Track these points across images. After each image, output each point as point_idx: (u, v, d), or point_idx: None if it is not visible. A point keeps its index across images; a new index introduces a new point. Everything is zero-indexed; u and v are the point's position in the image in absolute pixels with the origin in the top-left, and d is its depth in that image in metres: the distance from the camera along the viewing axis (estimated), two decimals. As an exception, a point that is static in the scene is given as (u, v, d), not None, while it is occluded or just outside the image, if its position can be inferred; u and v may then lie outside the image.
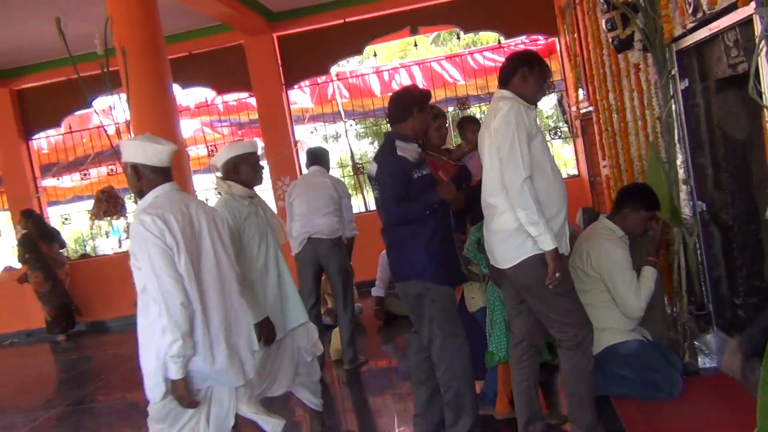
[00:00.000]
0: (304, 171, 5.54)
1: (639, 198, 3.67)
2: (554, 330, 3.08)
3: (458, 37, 10.47)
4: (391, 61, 13.29)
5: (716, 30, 3.18)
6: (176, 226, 2.61)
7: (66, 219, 9.51)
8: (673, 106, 3.84)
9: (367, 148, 15.99)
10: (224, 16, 6.96)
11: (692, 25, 3.39)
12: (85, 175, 9.55)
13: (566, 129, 8.71)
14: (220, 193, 3.69)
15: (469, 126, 4.91)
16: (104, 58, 4.64)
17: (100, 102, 8.81)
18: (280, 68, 8.23)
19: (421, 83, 8.64)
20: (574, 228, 4.71)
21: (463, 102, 8.61)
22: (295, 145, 8.45)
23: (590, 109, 6.32)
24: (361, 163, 9.41)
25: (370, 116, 9.78)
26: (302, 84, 8.89)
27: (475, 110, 9.01)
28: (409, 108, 3.33)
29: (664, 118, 3.88)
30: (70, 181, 9.86)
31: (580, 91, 6.89)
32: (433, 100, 4.12)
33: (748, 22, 2.85)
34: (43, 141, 9.50)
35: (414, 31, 8.25)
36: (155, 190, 2.71)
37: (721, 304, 3.86)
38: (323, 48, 8.16)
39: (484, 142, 3.08)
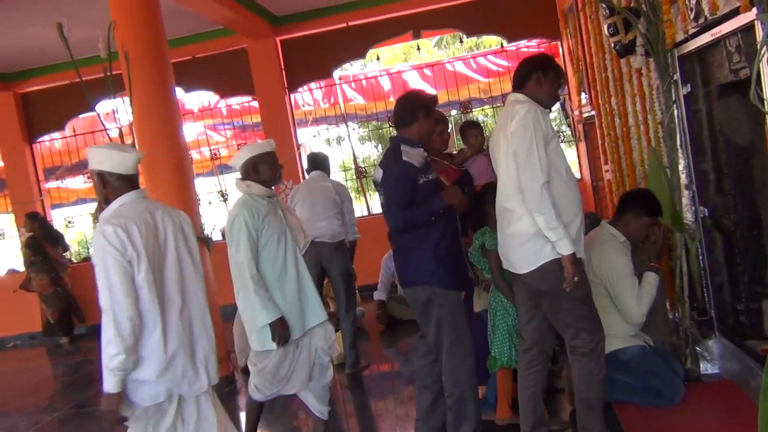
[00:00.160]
0: (306, 176, 5.55)
1: (641, 204, 3.66)
2: (568, 336, 3.06)
3: (461, 41, 10.47)
4: (394, 65, 13.32)
5: (718, 35, 3.17)
6: (138, 235, 2.64)
7: (69, 222, 9.53)
8: (675, 111, 3.84)
9: (371, 152, 16.01)
10: (227, 19, 6.98)
11: (694, 30, 3.39)
12: (88, 177, 9.56)
13: (569, 133, 8.70)
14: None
15: (471, 130, 4.92)
16: (107, 62, 4.67)
17: (104, 105, 8.84)
18: (283, 72, 8.25)
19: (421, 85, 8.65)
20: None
21: (465, 105, 8.61)
22: (298, 149, 8.46)
23: (592, 113, 6.31)
24: (364, 167, 9.42)
25: (374, 119, 9.78)
26: (311, 86, 8.89)
27: (477, 113, 9.00)
28: (416, 112, 3.31)
29: (666, 123, 3.88)
30: (74, 183, 9.88)
31: (583, 96, 6.89)
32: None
33: (749, 28, 2.85)
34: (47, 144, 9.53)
35: (417, 35, 8.26)
36: (120, 199, 2.74)
37: (723, 310, 3.85)
38: (326, 52, 8.17)
39: (500, 145, 3.03)
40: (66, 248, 8.85)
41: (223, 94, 8.66)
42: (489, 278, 3.68)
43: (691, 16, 3.34)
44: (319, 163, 5.36)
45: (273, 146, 3.70)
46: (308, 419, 4.24)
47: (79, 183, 9.90)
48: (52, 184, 9.56)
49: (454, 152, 5.18)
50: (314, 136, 9.66)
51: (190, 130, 9.41)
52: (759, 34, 2.66)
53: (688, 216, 3.92)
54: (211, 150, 9.27)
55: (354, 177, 9.38)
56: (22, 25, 6.56)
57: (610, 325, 3.57)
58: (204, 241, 5.17)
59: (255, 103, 8.74)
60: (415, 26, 8.06)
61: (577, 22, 6.38)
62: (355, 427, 4.47)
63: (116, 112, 7.91)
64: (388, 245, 6.45)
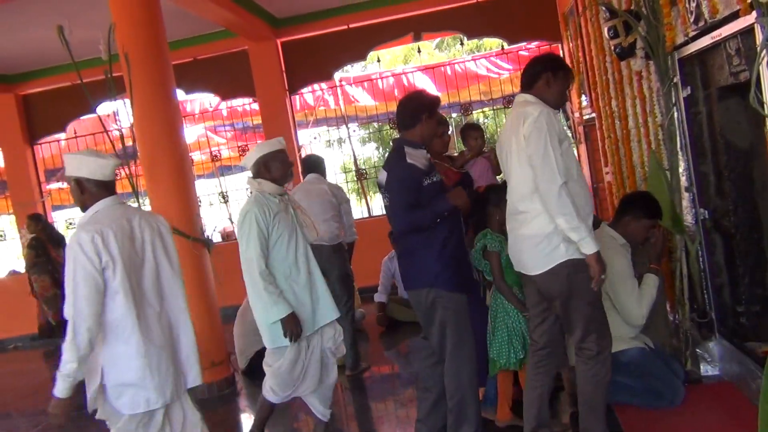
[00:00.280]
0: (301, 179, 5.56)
1: (641, 206, 3.66)
2: (577, 338, 3.04)
3: (462, 43, 10.48)
4: (395, 67, 13.34)
5: (718, 38, 3.18)
6: (114, 241, 2.69)
7: (71, 223, 9.54)
8: (675, 114, 3.84)
9: (371, 153, 16.03)
10: (228, 22, 6.99)
11: (694, 33, 3.40)
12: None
13: (569, 135, 8.71)
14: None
15: (472, 133, 4.93)
16: (108, 64, 4.68)
17: (105, 107, 8.85)
18: (284, 74, 8.26)
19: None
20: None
21: (466, 108, 8.62)
22: (299, 151, 8.47)
23: (593, 115, 6.32)
24: (365, 169, 9.43)
25: (374, 121, 9.80)
26: (314, 88, 8.92)
27: (478, 116, 9.01)
28: (418, 114, 3.30)
29: (667, 125, 3.89)
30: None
31: (583, 98, 6.90)
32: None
33: (749, 31, 2.86)
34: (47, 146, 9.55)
35: (417, 38, 8.28)
36: (96, 205, 2.78)
37: (723, 312, 3.85)
38: (327, 54, 8.19)
39: (511, 147, 2.99)
40: (67, 250, 8.84)
41: (224, 95, 8.67)
42: (490, 280, 3.69)
43: (691, 19, 3.34)
44: (314, 165, 5.37)
45: (283, 144, 3.73)
46: (308, 420, 4.24)
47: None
48: (53, 186, 9.57)
49: (455, 154, 5.19)
50: (314, 138, 9.64)
51: (191, 132, 9.43)
52: (759, 37, 2.66)
53: (688, 218, 3.93)
54: (211, 151, 9.28)
55: (355, 179, 9.39)
56: (23, 26, 6.58)
57: (610, 327, 3.58)
58: (204, 243, 5.18)
59: (256, 105, 8.76)
60: (416, 28, 8.08)
61: (577, 24, 6.39)
62: (355, 430, 4.47)
63: (117, 113, 7.92)
64: (389, 247, 6.54)
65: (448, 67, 9.25)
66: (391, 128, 9.06)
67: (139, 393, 2.74)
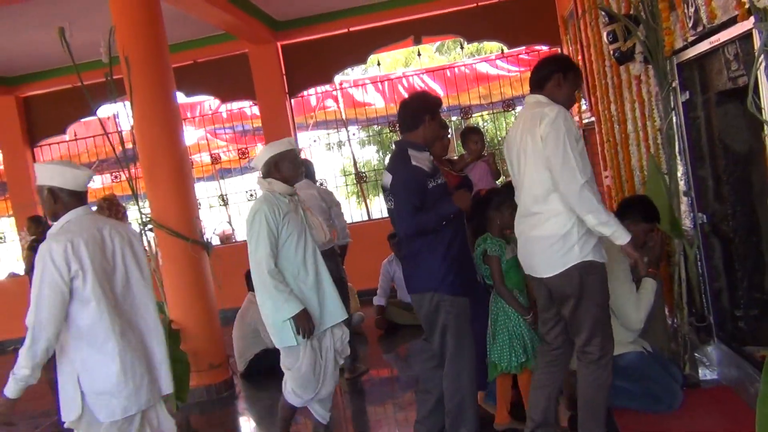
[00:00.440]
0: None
1: (639, 209, 3.67)
2: (581, 341, 3.02)
3: (461, 47, 10.50)
4: (395, 70, 13.35)
5: (716, 43, 3.19)
6: (85, 250, 2.73)
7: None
8: (674, 118, 3.85)
9: (371, 156, 16.04)
10: (229, 25, 7.00)
11: (693, 38, 3.41)
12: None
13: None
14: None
15: (472, 136, 4.94)
16: (109, 66, 4.69)
17: (105, 109, 8.86)
18: (284, 77, 8.27)
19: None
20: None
21: (466, 111, 8.63)
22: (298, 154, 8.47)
23: (592, 119, 6.33)
24: (364, 172, 9.43)
25: (374, 124, 9.82)
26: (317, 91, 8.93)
27: (477, 119, 9.02)
28: (421, 115, 3.29)
29: (665, 129, 3.90)
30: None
31: (582, 102, 6.91)
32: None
33: (747, 36, 2.87)
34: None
35: (417, 41, 8.29)
36: (68, 214, 2.82)
37: (721, 316, 3.85)
38: (327, 57, 8.20)
39: (526, 147, 2.96)
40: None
41: (224, 98, 8.68)
42: (490, 284, 3.68)
43: (690, 24, 3.35)
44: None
45: (293, 144, 3.74)
46: (307, 423, 4.24)
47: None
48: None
49: (455, 158, 5.20)
50: (314, 141, 9.65)
51: (191, 135, 9.44)
52: (757, 42, 2.67)
53: (686, 222, 3.93)
54: (211, 154, 9.29)
55: (354, 182, 9.39)
56: (23, 29, 6.59)
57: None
58: (204, 246, 5.18)
59: (256, 108, 8.77)
60: (416, 32, 8.09)
61: (577, 28, 6.40)
62: (354, 432, 4.47)
63: (117, 116, 7.92)
64: (388, 250, 6.55)
65: (447, 70, 9.27)
66: (390, 131, 9.07)
67: (114, 401, 2.78)
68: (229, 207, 9.51)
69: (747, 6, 2.64)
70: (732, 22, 2.91)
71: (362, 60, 8.51)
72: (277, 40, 8.15)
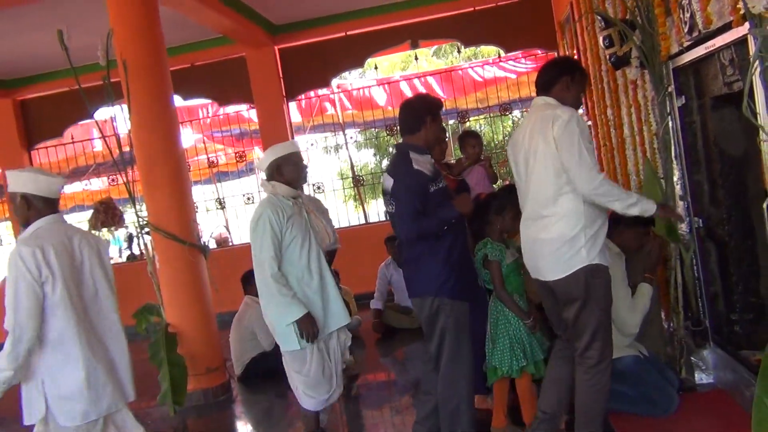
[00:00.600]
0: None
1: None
2: (582, 345, 3.02)
3: (459, 51, 10.52)
4: (393, 74, 13.38)
5: (712, 48, 3.21)
6: (54, 257, 2.78)
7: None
8: (670, 123, 3.87)
9: (369, 160, 16.05)
10: (226, 28, 7.01)
11: (689, 43, 3.42)
12: (86, 184, 9.58)
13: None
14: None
15: (470, 140, 4.95)
16: (106, 70, 4.69)
17: (102, 113, 8.86)
18: (282, 80, 8.29)
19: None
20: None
21: (463, 115, 8.65)
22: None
23: (588, 123, 6.35)
24: (361, 175, 9.44)
25: (371, 127, 9.82)
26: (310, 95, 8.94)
27: (474, 123, 9.04)
28: (422, 117, 3.27)
29: (661, 134, 3.91)
30: (71, 190, 9.88)
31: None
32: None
33: (743, 42, 2.88)
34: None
35: (414, 45, 8.31)
36: (39, 221, 2.87)
37: (717, 320, 3.87)
38: (325, 61, 8.21)
39: (537, 148, 2.95)
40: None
41: (222, 102, 8.68)
42: (490, 288, 3.68)
43: (686, 29, 3.37)
44: None
45: (297, 147, 3.73)
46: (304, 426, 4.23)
47: (76, 189, 9.90)
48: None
49: (452, 162, 5.21)
50: (311, 145, 9.65)
51: (188, 138, 9.44)
52: (752, 47, 2.69)
53: (682, 226, 3.95)
54: (208, 157, 9.28)
55: (351, 185, 9.40)
56: (21, 32, 6.59)
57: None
58: (201, 249, 5.18)
59: (253, 111, 8.78)
60: (413, 36, 8.11)
61: (573, 33, 6.43)
62: (351, 436, 4.47)
63: (114, 119, 7.93)
64: (385, 254, 6.54)
65: (452, 72, 9.29)
66: (388, 135, 9.08)
67: (77, 405, 2.82)
68: (226, 210, 9.51)
69: (742, 12, 2.65)
70: (727, 27, 2.93)
71: (360, 64, 8.52)
72: (275, 44, 8.16)
